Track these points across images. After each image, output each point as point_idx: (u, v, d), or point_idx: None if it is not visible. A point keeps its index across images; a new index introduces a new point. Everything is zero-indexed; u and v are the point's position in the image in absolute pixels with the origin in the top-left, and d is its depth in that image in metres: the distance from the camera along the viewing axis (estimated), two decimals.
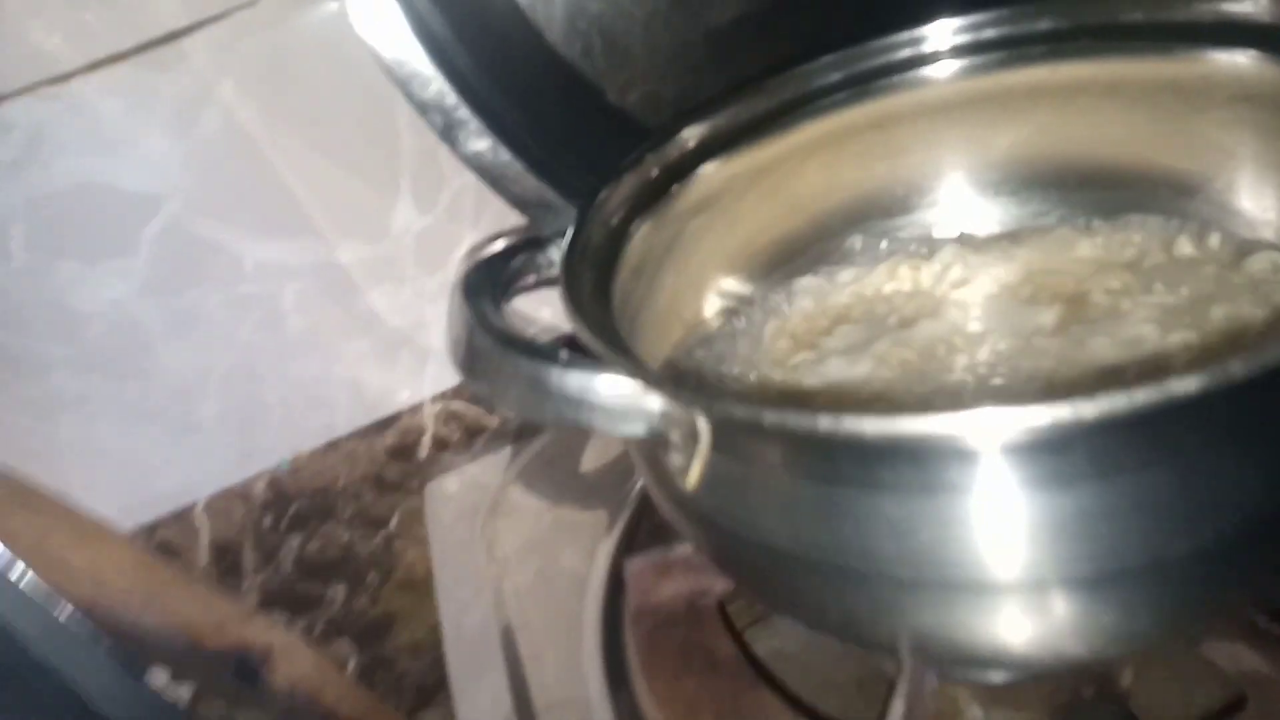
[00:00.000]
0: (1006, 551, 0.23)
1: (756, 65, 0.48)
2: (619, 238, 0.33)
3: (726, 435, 0.24)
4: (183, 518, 0.52)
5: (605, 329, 0.28)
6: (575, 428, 0.27)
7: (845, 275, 0.42)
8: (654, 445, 0.28)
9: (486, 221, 0.50)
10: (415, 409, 0.53)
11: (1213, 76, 0.34)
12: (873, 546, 0.22)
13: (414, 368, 0.52)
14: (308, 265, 0.48)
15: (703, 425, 0.25)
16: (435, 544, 0.50)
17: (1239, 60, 0.32)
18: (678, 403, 0.24)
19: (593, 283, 0.32)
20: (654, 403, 0.26)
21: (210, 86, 0.43)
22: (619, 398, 0.26)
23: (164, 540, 0.52)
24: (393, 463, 0.54)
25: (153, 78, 0.42)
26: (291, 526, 0.54)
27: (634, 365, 0.25)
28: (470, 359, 0.28)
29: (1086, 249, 0.39)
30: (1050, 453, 0.22)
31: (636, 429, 0.27)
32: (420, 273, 0.50)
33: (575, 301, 0.28)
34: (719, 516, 0.26)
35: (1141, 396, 0.20)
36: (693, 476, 0.26)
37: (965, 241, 0.41)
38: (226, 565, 0.54)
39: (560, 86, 0.45)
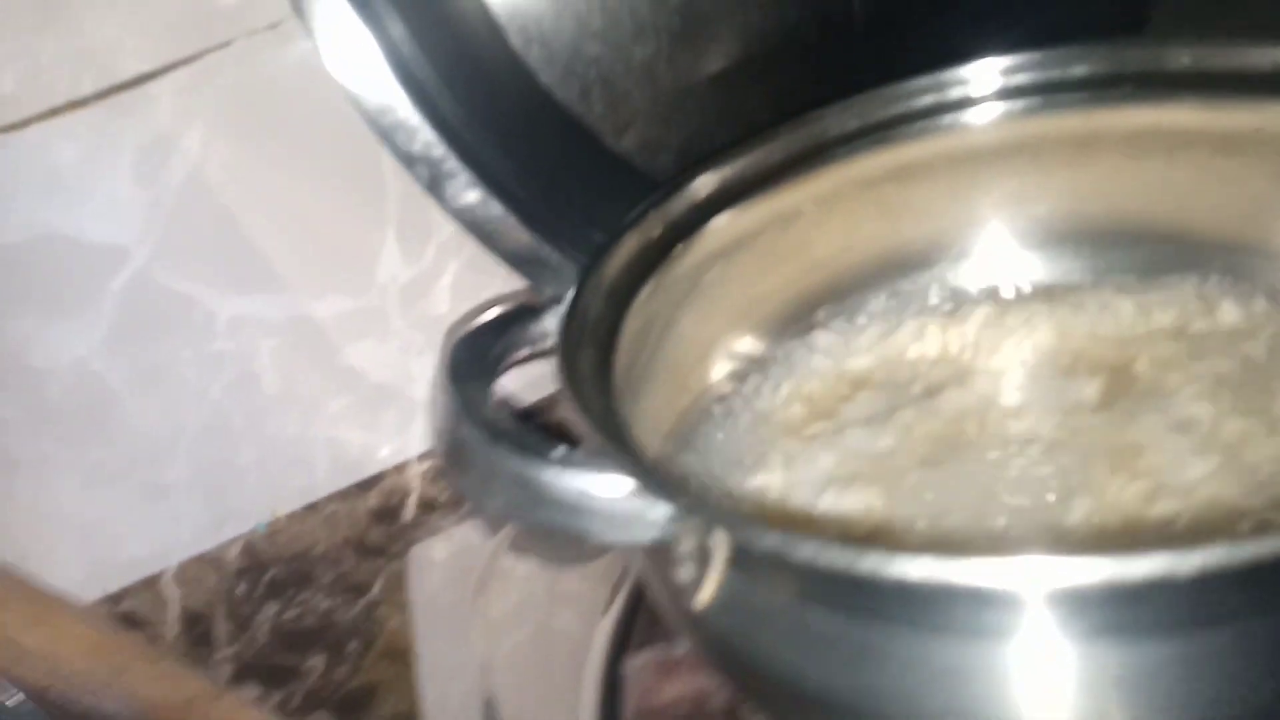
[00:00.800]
0: (1044, 703, 0.20)
1: (762, 109, 0.46)
2: (621, 304, 0.30)
3: (753, 561, 0.21)
4: (151, 586, 0.49)
5: (608, 419, 0.25)
6: (571, 535, 0.24)
7: (867, 335, 0.39)
8: (660, 552, 0.25)
9: (477, 272, 0.47)
10: (400, 468, 0.50)
11: (1265, 128, 0.32)
12: (916, 694, 0.19)
13: (399, 425, 0.49)
14: (285, 319, 0.45)
15: (719, 540, 0.22)
16: (418, 612, 0.47)
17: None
18: (694, 515, 0.21)
19: (593, 359, 0.29)
20: (662, 510, 0.23)
21: (179, 132, 0.40)
22: (622, 503, 0.23)
23: (130, 611, 0.49)
24: (376, 525, 0.51)
25: (116, 123, 0.40)
26: (267, 594, 0.50)
27: (642, 467, 0.22)
28: (454, 453, 0.25)
29: (1127, 311, 0.36)
30: (1103, 606, 0.19)
31: (641, 538, 0.24)
32: (406, 326, 0.47)
33: (575, 387, 0.25)
34: (734, 640, 0.23)
35: (1213, 557, 0.17)
36: (704, 595, 0.23)
37: (997, 301, 0.38)
38: (197, 636, 0.51)
39: (555, 132, 0.42)
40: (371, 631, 0.54)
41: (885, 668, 0.19)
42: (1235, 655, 0.19)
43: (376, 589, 0.53)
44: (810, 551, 0.18)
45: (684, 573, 0.24)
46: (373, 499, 0.50)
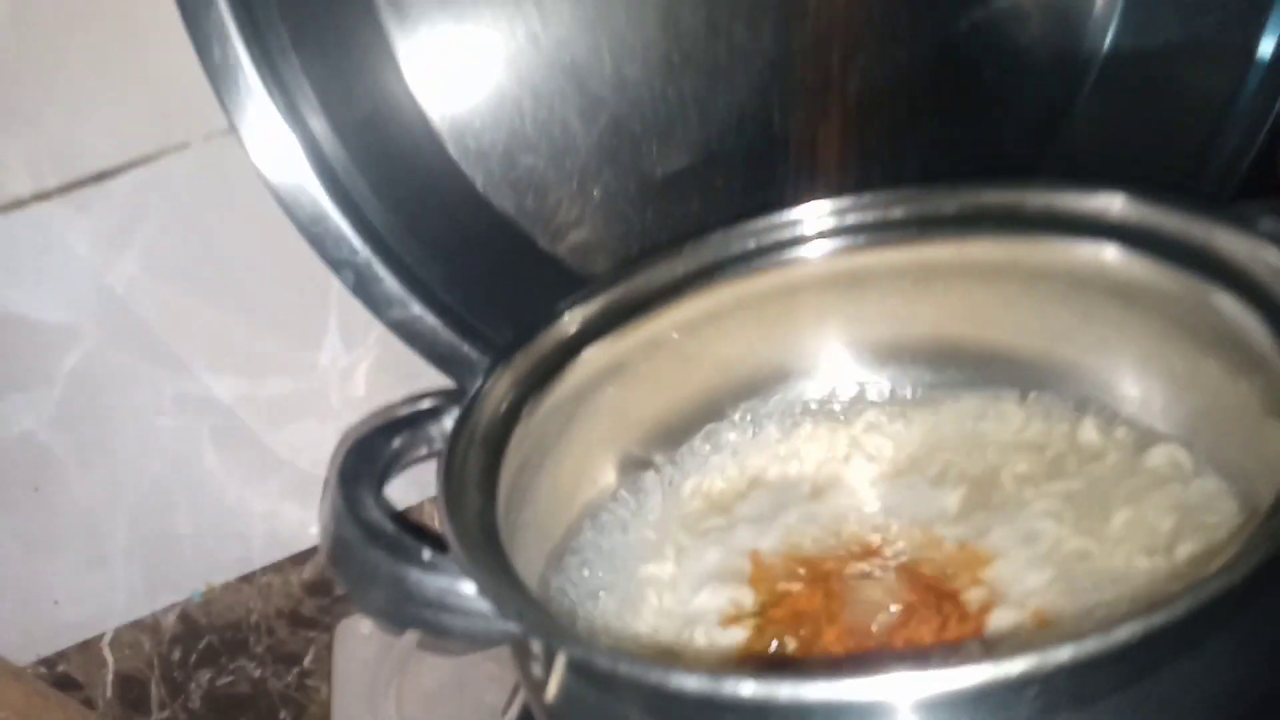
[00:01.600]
0: None
1: (692, 215, 0.49)
2: (513, 413, 0.33)
3: (583, 665, 0.23)
4: (88, 650, 0.50)
5: (478, 530, 0.27)
6: (435, 633, 0.26)
7: (767, 435, 0.41)
8: (519, 649, 0.27)
9: (414, 359, 0.49)
10: None
11: (1079, 267, 0.35)
12: None
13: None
14: (228, 399, 0.47)
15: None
16: (339, 684, 0.49)
17: (1106, 253, 0.33)
18: (530, 630, 0.23)
19: (482, 462, 0.31)
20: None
21: (134, 224, 0.43)
22: (479, 604, 0.26)
23: (65, 674, 0.50)
24: (309, 598, 0.52)
25: (76, 215, 0.43)
26: (201, 661, 0.52)
27: (493, 582, 0.24)
28: (334, 551, 0.27)
29: (996, 425, 0.39)
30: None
31: (497, 638, 0.26)
32: (344, 408, 0.49)
33: (448, 494, 0.27)
34: None
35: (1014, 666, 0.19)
36: (550, 691, 0.25)
37: (885, 409, 0.41)
38: (132, 700, 0.52)
39: (486, 235, 0.45)
40: (302, 701, 0.55)
41: None
42: None
43: (308, 659, 0.55)
44: (606, 663, 0.20)
45: (537, 669, 0.26)
46: (307, 572, 0.52)
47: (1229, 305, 0.29)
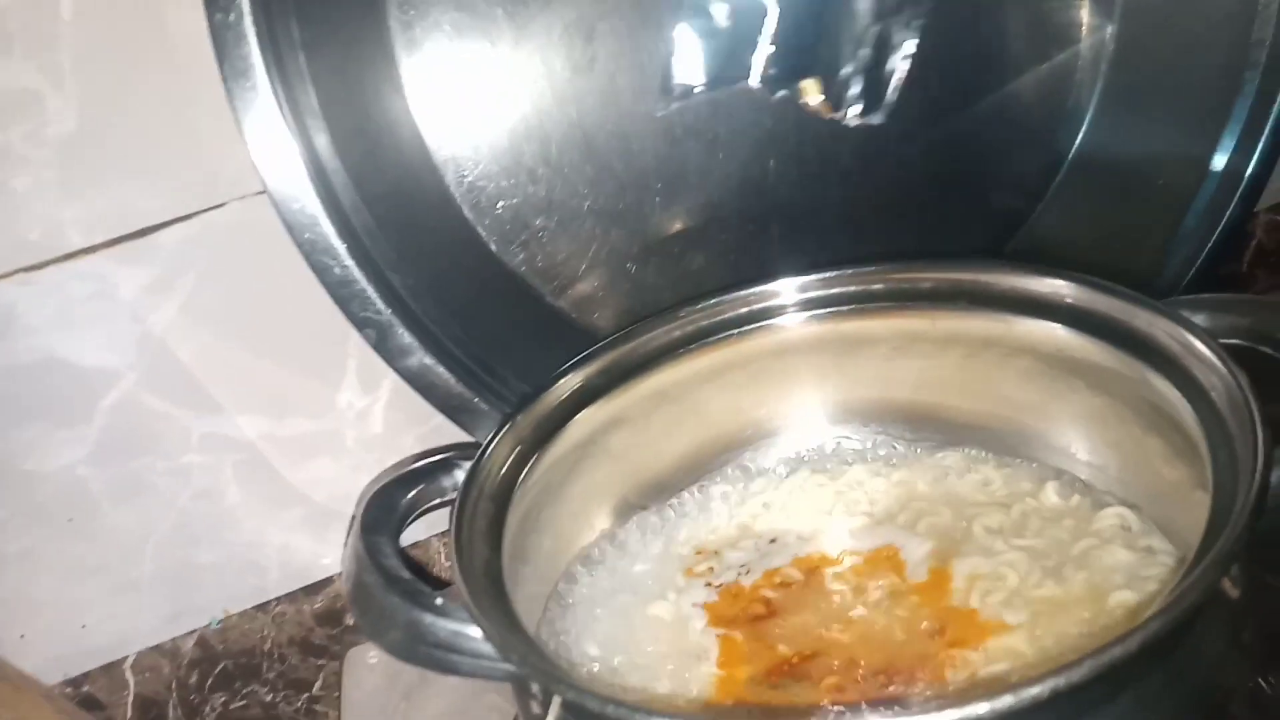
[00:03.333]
0: None
1: (693, 277, 0.53)
2: (518, 468, 0.36)
3: (576, 708, 0.26)
4: (111, 672, 0.53)
5: (484, 577, 0.30)
6: (444, 672, 0.29)
7: (755, 487, 0.44)
8: (519, 687, 0.30)
9: (425, 404, 0.52)
10: None
11: (1039, 343, 0.38)
12: None
13: (345, 537, 0.54)
14: (250, 437, 0.51)
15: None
16: (347, 712, 0.51)
17: (1059, 333, 0.36)
18: (532, 676, 0.26)
19: (490, 514, 0.34)
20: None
21: (173, 277, 0.47)
22: (484, 646, 0.29)
23: (90, 694, 0.53)
24: (320, 627, 0.55)
25: (120, 268, 0.46)
26: (217, 685, 0.55)
27: (495, 628, 0.27)
28: (355, 594, 0.30)
29: (969, 484, 0.42)
30: None
31: (500, 677, 0.29)
32: (358, 448, 0.53)
33: (460, 549, 0.30)
34: None
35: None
36: None
37: (866, 465, 0.44)
38: None
39: (498, 291, 0.48)
40: None
41: None
42: None
43: (317, 686, 0.57)
44: (596, 705, 0.23)
45: (535, 706, 0.29)
46: (319, 602, 0.55)
47: (1166, 389, 0.32)
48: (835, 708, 0.31)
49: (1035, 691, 0.21)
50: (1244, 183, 0.46)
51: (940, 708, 0.21)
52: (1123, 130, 0.51)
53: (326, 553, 0.54)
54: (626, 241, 0.51)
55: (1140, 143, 0.51)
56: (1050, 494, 0.39)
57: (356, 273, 0.40)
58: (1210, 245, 0.47)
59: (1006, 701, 0.21)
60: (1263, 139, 0.46)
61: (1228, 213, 0.47)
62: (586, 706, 0.23)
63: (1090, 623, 0.33)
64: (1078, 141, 0.52)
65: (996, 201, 0.53)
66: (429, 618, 0.28)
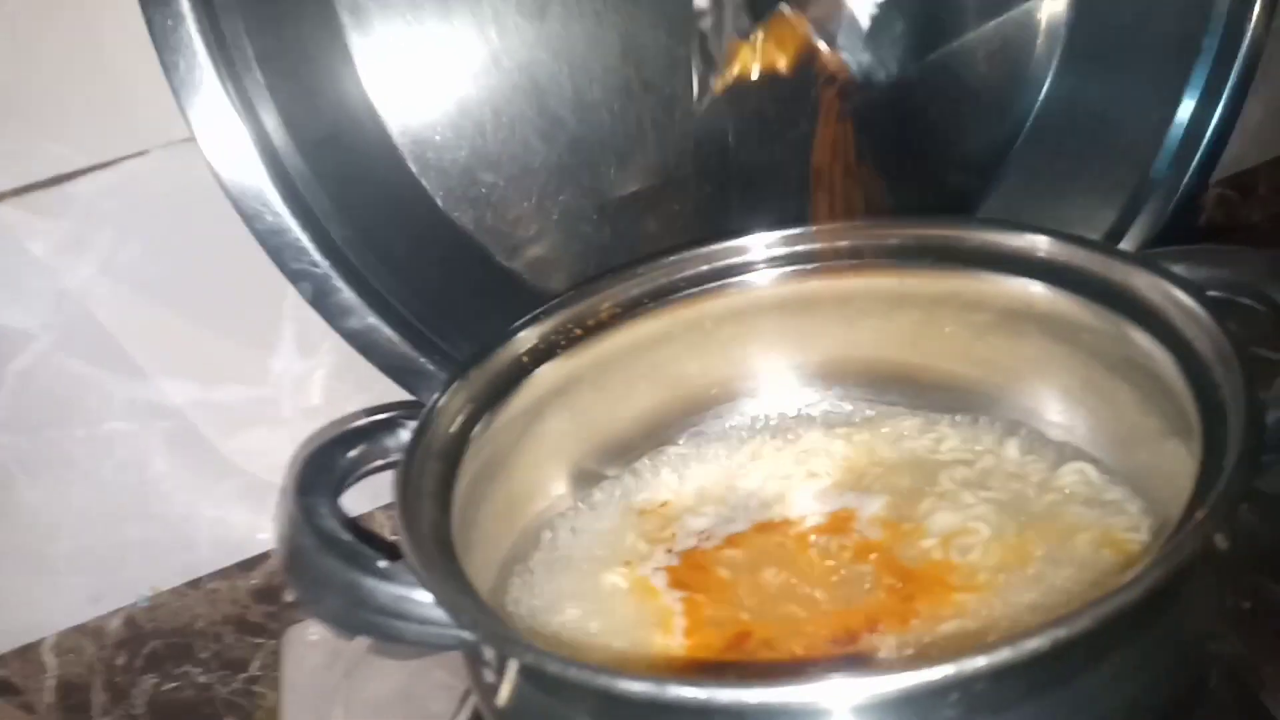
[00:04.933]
0: None
1: (648, 237, 0.51)
2: (468, 427, 0.34)
3: (533, 671, 0.24)
4: (28, 655, 0.50)
5: (432, 540, 0.28)
6: (389, 640, 0.27)
7: (715, 451, 0.43)
8: (471, 655, 0.28)
9: (368, 368, 0.50)
10: None
11: (1009, 301, 0.37)
12: None
13: None
14: (180, 404, 0.47)
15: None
16: (288, 692, 0.49)
17: (1033, 289, 0.35)
18: (487, 640, 0.24)
19: (438, 474, 0.32)
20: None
21: (91, 230, 0.43)
22: (433, 612, 0.26)
23: (4, 679, 0.50)
24: (257, 604, 0.52)
25: (31, 219, 0.42)
26: (146, 666, 0.52)
27: (446, 590, 0.25)
28: (290, 559, 0.28)
29: (930, 444, 0.41)
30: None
31: (450, 645, 0.27)
32: (297, 416, 0.50)
33: (406, 509, 0.28)
34: None
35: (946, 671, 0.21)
36: (502, 696, 0.26)
37: (828, 428, 0.42)
38: (73, 705, 0.51)
39: (445, 249, 0.46)
40: (248, 708, 0.55)
41: None
42: None
43: (255, 666, 0.55)
44: (557, 668, 0.22)
45: (489, 675, 0.27)
46: (255, 578, 0.52)
47: (1143, 340, 0.31)
48: (807, 663, 0.30)
49: (1036, 643, 0.20)
50: (1204, 143, 0.46)
51: (934, 663, 0.20)
52: (1082, 94, 0.51)
53: (263, 526, 0.51)
54: (581, 202, 0.49)
55: (1099, 106, 0.50)
56: (1012, 449, 0.39)
57: (290, 220, 0.38)
58: (1171, 206, 0.46)
59: (1004, 655, 0.20)
60: (1223, 98, 0.45)
61: (1187, 175, 0.46)
62: (546, 670, 0.22)
63: (1056, 577, 0.32)
64: (1036, 107, 0.52)
65: (962, 158, 0.52)
66: (371, 581, 0.26)
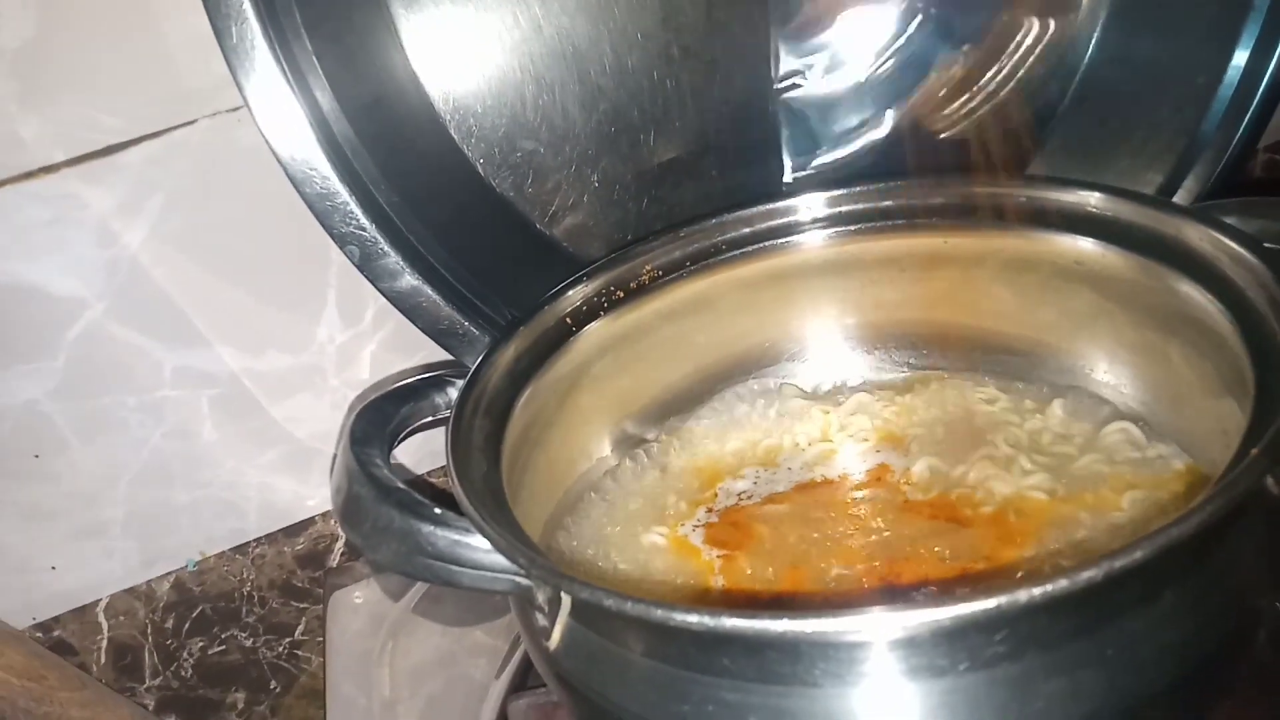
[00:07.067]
0: None
1: (685, 205, 0.51)
2: (518, 383, 0.34)
3: (586, 610, 0.25)
4: (84, 616, 0.51)
5: (484, 489, 0.28)
6: (445, 584, 0.27)
7: (757, 413, 0.43)
8: (522, 600, 0.28)
9: (410, 336, 0.50)
10: (328, 516, 0.53)
11: (1057, 259, 0.37)
12: None
13: (328, 476, 0.52)
14: (227, 372, 0.48)
15: (564, 594, 0.25)
16: (332, 655, 0.49)
17: (1082, 246, 0.35)
18: (537, 577, 0.25)
19: (486, 429, 0.32)
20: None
21: (141, 199, 0.44)
22: (487, 558, 0.27)
23: (61, 639, 0.51)
24: (302, 569, 0.53)
25: (84, 189, 0.43)
26: (194, 630, 0.53)
27: (501, 533, 0.26)
28: (347, 508, 0.28)
29: (977, 405, 0.40)
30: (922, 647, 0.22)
31: (504, 588, 0.27)
32: (341, 384, 0.51)
33: (457, 455, 0.29)
34: (577, 681, 0.26)
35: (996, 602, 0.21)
36: (554, 638, 0.27)
37: (871, 390, 0.42)
38: (125, 666, 0.53)
39: (486, 216, 0.46)
40: (293, 671, 0.56)
41: (711, 712, 0.23)
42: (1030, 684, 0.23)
43: (300, 630, 0.56)
44: (613, 603, 0.22)
45: (540, 618, 0.28)
46: (300, 544, 0.53)
47: (1195, 293, 0.31)
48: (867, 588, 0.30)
49: (1091, 573, 0.20)
50: (1255, 102, 0.45)
51: (989, 593, 0.20)
52: (1128, 53, 0.50)
53: (309, 493, 0.52)
54: (619, 170, 0.49)
55: (1146, 66, 0.49)
56: (1058, 409, 0.38)
57: (338, 185, 0.38)
58: (1219, 169, 0.45)
59: (1062, 585, 0.20)
60: (1276, 53, 0.44)
61: (1236, 136, 0.46)
62: (602, 605, 0.22)
63: (1102, 536, 0.32)
64: (1090, 49, 0.50)
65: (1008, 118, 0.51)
66: (427, 528, 0.27)
